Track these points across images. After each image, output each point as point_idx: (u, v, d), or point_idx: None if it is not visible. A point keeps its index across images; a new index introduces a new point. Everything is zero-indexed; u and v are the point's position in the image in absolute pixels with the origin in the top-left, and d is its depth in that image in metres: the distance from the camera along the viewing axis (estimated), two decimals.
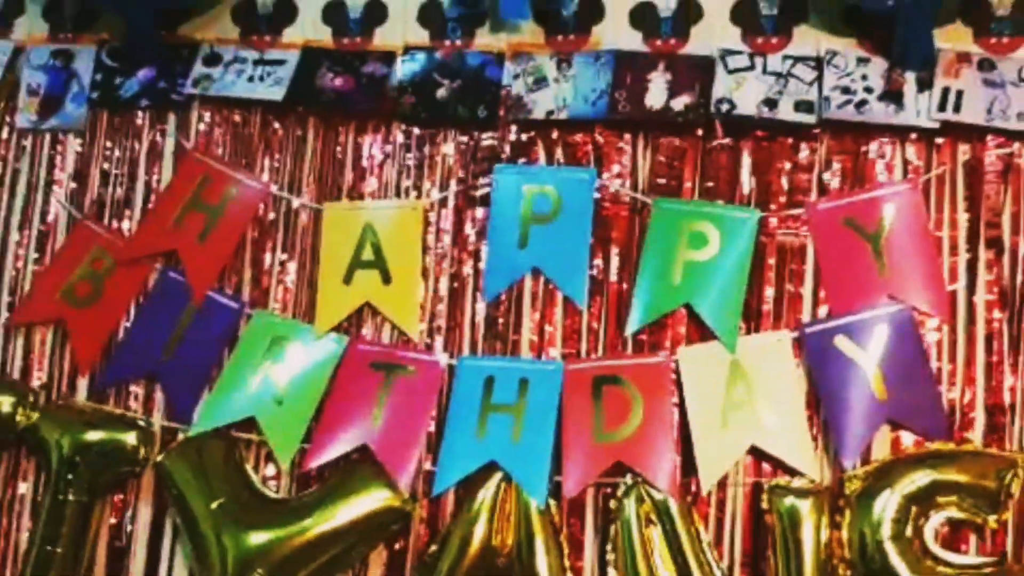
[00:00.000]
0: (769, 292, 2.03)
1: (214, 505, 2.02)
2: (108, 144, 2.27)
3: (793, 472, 1.95)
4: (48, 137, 2.29)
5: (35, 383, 2.19)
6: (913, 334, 1.96)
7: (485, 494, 1.99)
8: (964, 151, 2.02)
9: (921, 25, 2.00)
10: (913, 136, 2.04)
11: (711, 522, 1.96)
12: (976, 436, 1.95)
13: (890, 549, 1.88)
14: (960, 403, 1.96)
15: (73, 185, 2.26)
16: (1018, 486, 1.90)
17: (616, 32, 2.15)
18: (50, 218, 2.26)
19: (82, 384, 2.19)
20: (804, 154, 2.06)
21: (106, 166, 2.26)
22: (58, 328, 2.21)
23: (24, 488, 2.16)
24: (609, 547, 1.96)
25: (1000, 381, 1.95)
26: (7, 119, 2.30)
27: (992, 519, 1.90)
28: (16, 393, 2.16)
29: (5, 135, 2.29)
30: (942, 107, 2.00)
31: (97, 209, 2.25)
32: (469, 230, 2.13)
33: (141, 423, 2.13)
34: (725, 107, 2.07)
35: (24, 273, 2.24)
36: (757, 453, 1.98)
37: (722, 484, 1.97)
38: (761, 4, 2.12)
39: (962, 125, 2.01)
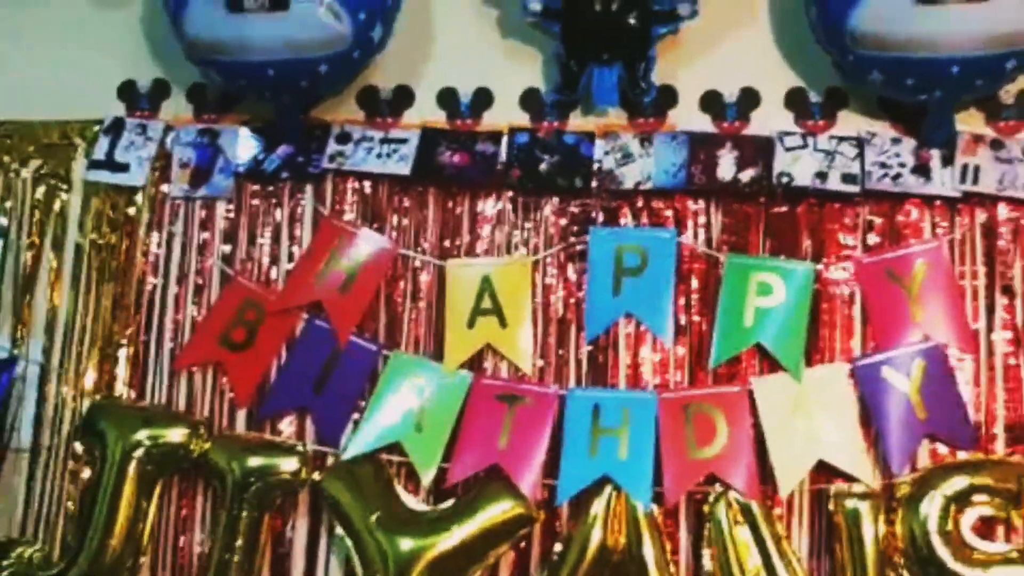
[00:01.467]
0: (825, 332, 2.28)
1: (372, 518, 2.21)
2: (253, 210, 2.46)
3: (852, 479, 2.18)
4: (199, 204, 2.47)
5: (199, 417, 2.38)
6: (944, 365, 2.20)
7: (599, 503, 2.20)
8: (981, 215, 2.25)
9: (944, 112, 2.23)
10: (939, 203, 2.26)
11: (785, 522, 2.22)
12: (999, 447, 2.19)
13: (936, 541, 2.11)
14: (985, 421, 2.20)
15: (225, 246, 2.45)
16: None
17: (689, 116, 2.36)
18: (205, 274, 2.45)
19: (239, 417, 2.38)
20: (850, 218, 2.29)
21: (253, 229, 2.45)
22: (216, 369, 2.41)
23: (197, 506, 2.37)
24: (704, 544, 2.22)
25: (1017, 403, 2.20)
26: (162, 188, 2.47)
27: (1016, 514, 2.13)
28: (188, 425, 2.34)
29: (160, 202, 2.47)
30: (962, 179, 2.24)
31: (247, 266, 2.45)
32: (571, 281, 2.36)
33: (299, 449, 2.34)
34: (785, 179, 2.29)
35: (184, 323, 2.43)
36: (821, 465, 2.20)
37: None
38: (810, 93, 2.34)
39: (979, 194, 2.24)
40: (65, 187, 2.52)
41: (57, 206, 2.53)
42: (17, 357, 2.45)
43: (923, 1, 2.12)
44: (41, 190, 2.53)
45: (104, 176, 2.49)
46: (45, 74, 2.56)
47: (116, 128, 2.51)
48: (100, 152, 2.49)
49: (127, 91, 2.54)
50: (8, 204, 2.53)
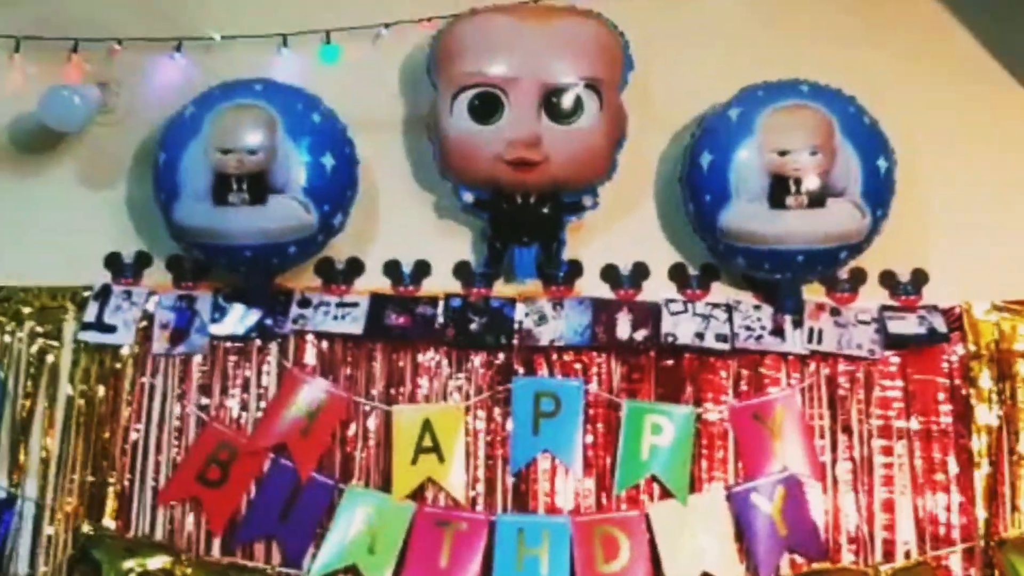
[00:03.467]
0: (705, 463, 2.68)
1: None
2: (225, 365, 2.77)
3: None
4: (178, 360, 2.76)
5: (180, 544, 2.67)
6: (800, 491, 2.62)
7: None
8: (824, 369, 2.68)
9: (794, 287, 2.67)
10: (791, 358, 2.68)
11: None
12: (843, 557, 2.60)
13: None
14: (832, 536, 2.61)
15: (201, 397, 2.76)
16: None
17: (592, 285, 2.75)
18: (184, 420, 2.74)
19: (215, 544, 2.67)
20: (723, 369, 2.68)
21: (225, 381, 2.75)
22: (194, 503, 2.70)
23: None
24: None
25: (857, 521, 2.62)
26: (147, 347, 2.76)
27: None
28: (172, 554, 2.63)
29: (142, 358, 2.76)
30: (809, 339, 2.67)
31: (219, 413, 2.75)
32: (497, 422, 2.71)
33: (268, 571, 2.63)
34: (670, 338, 2.69)
35: (164, 463, 2.71)
36: (704, 574, 2.59)
37: None
38: (689, 267, 2.76)
39: (822, 351, 2.67)
40: (57, 344, 2.80)
41: (49, 361, 2.82)
42: (16, 496, 2.72)
43: (775, 207, 2.63)
44: (35, 348, 2.81)
45: (95, 336, 2.78)
46: (38, 245, 2.86)
47: (104, 294, 2.81)
48: (91, 315, 2.79)
49: (113, 261, 2.85)
50: (5, 360, 2.81)
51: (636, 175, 2.79)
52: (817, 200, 2.60)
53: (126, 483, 2.73)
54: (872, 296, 2.77)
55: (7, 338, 2.81)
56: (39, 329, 2.81)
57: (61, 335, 2.81)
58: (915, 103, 2.76)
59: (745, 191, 2.62)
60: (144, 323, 2.80)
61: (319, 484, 2.70)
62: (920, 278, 2.77)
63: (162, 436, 2.76)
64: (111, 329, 2.78)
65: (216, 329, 2.79)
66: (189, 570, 2.64)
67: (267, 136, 2.63)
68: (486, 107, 2.63)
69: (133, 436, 2.75)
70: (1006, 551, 2.60)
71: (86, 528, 2.71)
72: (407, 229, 2.84)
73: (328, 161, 2.67)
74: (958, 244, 2.77)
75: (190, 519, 2.72)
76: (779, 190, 2.59)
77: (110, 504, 2.72)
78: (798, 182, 2.59)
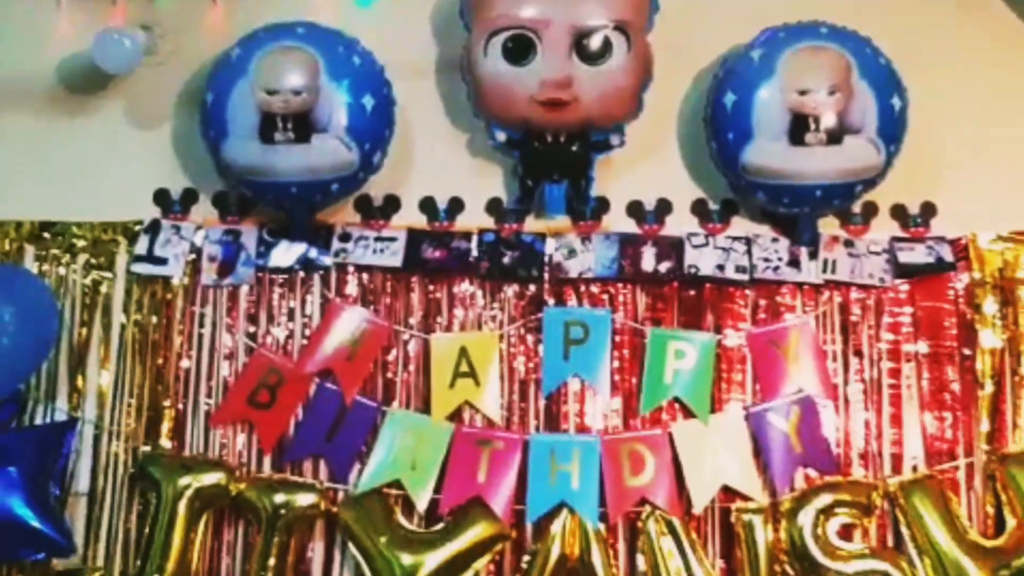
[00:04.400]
0: (725, 386, 2.81)
1: (383, 539, 2.72)
2: (272, 296, 2.93)
3: (748, 499, 2.69)
4: (226, 291, 2.90)
5: (233, 463, 2.84)
6: (814, 410, 2.74)
7: (558, 523, 2.70)
8: (838, 297, 2.80)
9: (810, 221, 2.80)
10: (807, 288, 2.77)
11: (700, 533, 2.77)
12: (854, 471, 2.76)
13: (810, 543, 2.63)
14: (844, 452, 2.76)
15: (249, 325, 2.92)
16: (879, 500, 2.69)
17: (618, 221, 2.87)
18: (232, 348, 2.92)
19: (266, 463, 2.83)
20: (742, 299, 2.82)
21: (271, 311, 2.90)
22: (246, 424, 2.90)
23: (235, 535, 2.82)
24: (638, 551, 2.75)
25: (867, 437, 2.78)
26: (196, 279, 2.92)
27: (867, 521, 2.66)
28: (226, 470, 2.81)
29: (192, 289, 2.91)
30: (824, 270, 2.77)
31: (266, 341, 2.90)
32: (530, 349, 2.85)
33: (316, 486, 2.80)
34: (692, 269, 2.81)
35: (217, 387, 2.89)
36: (725, 488, 2.73)
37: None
38: (710, 203, 2.89)
39: (836, 281, 2.76)
40: (110, 276, 2.95)
41: (103, 292, 2.97)
42: (76, 419, 2.89)
43: (795, 144, 2.76)
44: (89, 279, 2.95)
45: (146, 268, 2.92)
46: (89, 183, 2.99)
47: (154, 228, 2.95)
48: (142, 248, 2.93)
49: (161, 198, 2.98)
50: (61, 291, 2.96)
51: (661, 115, 2.91)
52: (835, 138, 2.72)
53: (180, 407, 2.88)
54: (883, 228, 2.90)
55: (62, 270, 2.95)
56: (93, 261, 2.95)
57: (114, 267, 2.94)
58: (927, 43, 2.86)
59: (766, 129, 2.74)
60: (193, 256, 2.93)
61: (363, 406, 2.85)
62: (929, 211, 2.90)
63: (213, 363, 2.90)
64: (162, 261, 2.92)
65: (261, 262, 2.92)
66: (242, 485, 2.79)
67: (310, 77, 2.75)
68: (519, 49, 2.74)
69: (185, 363, 2.90)
70: (1008, 465, 2.76)
71: (144, 448, 2.84)
72: (442, 167, 2.95)
73: (368, 101, 2.80)
74: (966, 179, 2.89)
75: (241, 439, 2.87)
76: (799, 128, 2.72)
77: (166, 426, 2.87)
78: (817, 120, 2.71)
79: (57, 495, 2.77)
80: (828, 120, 2.70)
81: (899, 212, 2.90)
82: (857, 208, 2.88)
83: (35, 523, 2.65)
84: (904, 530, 2.69)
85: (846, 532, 2.70)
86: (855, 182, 2.75)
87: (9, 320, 2.69)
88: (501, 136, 2.85)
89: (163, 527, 2.75)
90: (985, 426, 2.79)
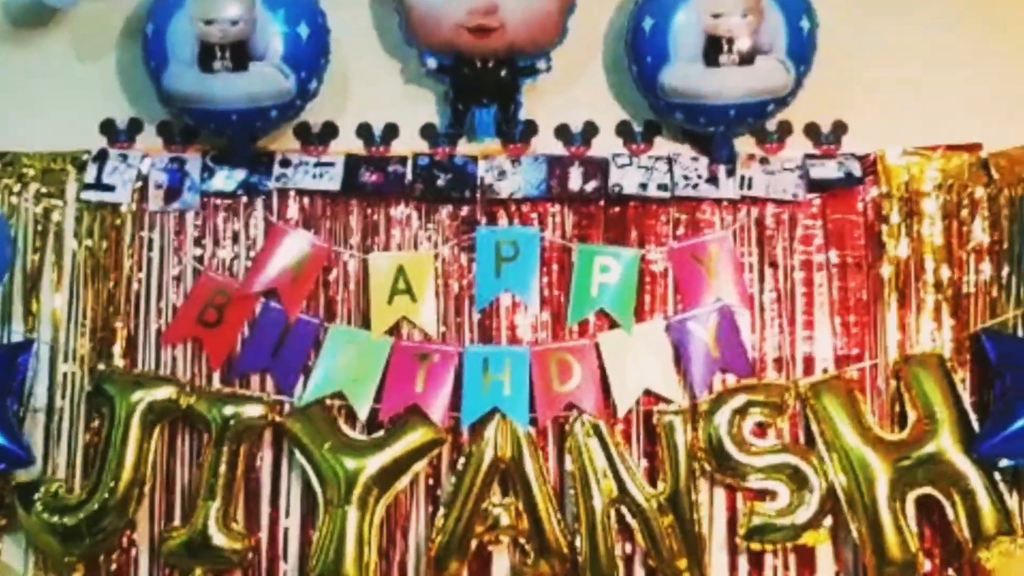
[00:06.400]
0: (648, 298, 2.97)
1: (326, 446, 2.85)
2: (216, 220, 3.04)
3: (669, 401, 2.81)
4: (172, 216, 3.02)
5: (184, 379, 2.97)
6: (731, 319, 2.85)
7: (491, 427, 2.82)
8: (754, 212, 2.92)
9: (727, 139, 2.92)
10: (725, 204, 2.88)
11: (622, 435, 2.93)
12: (768, 374, 2.91)
13: (726, 440, 2.75)
14: (759, 356, 2.90)
15: (195, 249, 3.03)
16: (791, 400, 2.81)
17: (546, 143, 2.97)
18: (180, 271, 3.04)
19: (215, 378, 2.96)
20: (664, 215, 2.93)
21: (216, 235, 3.02)
22: (195, 343, 3.02)
23: (186, 446, 2.95)
24: (567, 453, 2.89)
25: (780, 343, 2.93)
26: (144, 205, 3.03)
27: (779, 419, 2.79)
28: (176, 384, 2.92)
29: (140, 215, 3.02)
30: (741, 186, 2.90)
31: (213, 263, 3.01)
32: (463, 267, 2.97)
33: (263, 399, 2.94)
34: (617, 188, 2.93)
35: (167, 308, 2.99)
36: (647, 392, 2.88)
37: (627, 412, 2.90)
38: (633, 124, 3.00)
39: (753, 197, 2.87)
40: (60, 204, 3.05)
41: (55, 219, 3.08)
42: (32, 340, 3.01)
43: (710, 65, 2.88)
44: (40, 207, 3.06)
45: (95, 195, 3.02)
46: (37, 114, 3.07)
47: (102, 157, 3.05)
48: (91, 176, 3.02)
49: (107, 128, 3.07)
50: (13, 219, 3.07)
51: (586, 40, 3.01)
52: (747, 59, 2.85)
53: (132, 327, 3.00)
54: (797, 146, 3.03)
55: (14, 199, 3.04)
56: (43, 190, 3.04)
57: (64, 195, 3.04)
58: None
59: (683, 52, 2.86)
60: (140, 183, 3.03)
61: (306, 323, 2.97)
62: (840, 129, 3.03)
63: (162, 285, 3.02)
64: (110, 188, 3.01)
65: (206, 187, 3.03)
66: (192, 399, 2.91)
67: (246, 7, 2.84)
68: None
69: (135, 286, 3.01)
70: (911, 365, 2.91)
71: (98, 367, 2.96)
72: (376, 94, 3.05)
73: (303, 30, 2.89)
74: (875, 97, 3.02)
75: (191, 356, 2.99)
76: (713, 50, 2.84)
77: (119, 346, 2.99)
78: (731, 42, 2.84)
79: (15, 411, 2.87)
80: (742, 42, 2.82)
81: (812, 130, 3.03)
82: (772, 127, 3.01)
83: None
84: (814, 427, 2.82)
85: (760, 431, 2.84)
86: (766, 101, 2.88)
87: None
88: (432, 63, 2.96)
89: (118, 440, 2.86)
90: (890, 330, 2.92)
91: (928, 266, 2.96)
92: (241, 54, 2.84)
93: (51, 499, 2.87)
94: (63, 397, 2.97)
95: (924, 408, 2.84)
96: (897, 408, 2.91)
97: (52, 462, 2.94)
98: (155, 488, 2.90)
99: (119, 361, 2.98)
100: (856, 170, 2.99)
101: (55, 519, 2.83)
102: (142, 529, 2.90)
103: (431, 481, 2.86)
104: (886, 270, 2.97)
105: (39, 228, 3.03)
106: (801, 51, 2.87)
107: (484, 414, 2.82)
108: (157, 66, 2.89)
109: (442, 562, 2.87)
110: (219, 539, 2.85)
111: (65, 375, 2.98)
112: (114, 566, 2.91)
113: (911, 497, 2.76)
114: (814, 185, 2.99)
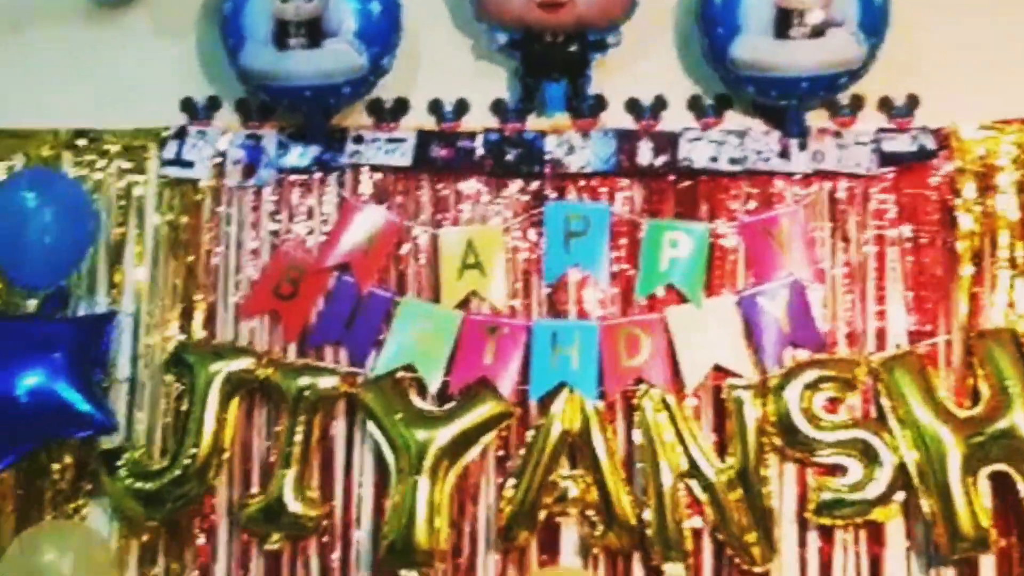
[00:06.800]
0: (718, 273, 2.93)
1: (397, 417, 2.91)
2: (291, 196, 3.12)
3: (738, 376, 2.80)
4: (249, 192, 3.09)
5: (260, 350, 3.03)
6: (802, 293, 2.84)
7: (560, 401, 2.84)
8: (826, 186, 2.91)
9: (799, 113, 2.90)
10: (797, 178, 2.89)
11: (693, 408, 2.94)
12: (840, 349, 2.89)
13: (796, 415, 2.72)
14: (830, 331, 2.86)
15: (271, 224, 3.10)
16: (862, 375, 2.80)
17: (616, 117, 2.98)
18: (257, 245, 3.12)
19: (291, 350, 3.02)
20: (735, 189, 2.93)
21: (292, 210, 3.09)
22: (272, 315, 3.08)
23: (261, 417, 3.04)
24: (635, 427, 2.90)
25: (852, 318, 2.91)
26: (221, 181, 3.11)
27: (850, 395, 2.77)
28: (253, 355, 2.99)
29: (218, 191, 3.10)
30: (812, 160, 2.90)
31: (287, 238, 3.07)
32: (532, 242, 3.00)
33: (337, 370, 2.99)
34: (687, 162, 2.93)
35: (243, 281, 3.06)
36: (716, 367, 2.87)
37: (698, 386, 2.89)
38: (704, 98, 2.99)
39: (824, 171, 2.85)
40: (142, 179, 3.13)
41: (136, 194, 3.16)
42: (116, 311, 3.10)
43: (780, 37, 2.85)
44: (123, 183, 3.15)
45: (176, 171, 3.10)
46: (119, 92, 3.16)
47: (181, 134, 3.12)
48: (171, 153, 3.10)
49: (187, 105, 3.14)
50: (96, 194, 3.16)
51: (655, 14, 3.00)
52: (818, 31, 2.81)
53: (211, 299, 3.07)
54: (870, 120, 3.00)
55: (98, 175, 3.13)
56: (125, 166, 3.12)
57: (145, 171, 3.12)
58: None
59: (754, 24, 2.85)
60: (218, 159, 3.10)
61: (378, 297, 3.02)
62: (913, 102, 2.98)
63: (240, 259, 3.08)
64: (189, 164, 3.09)
65: (281, 163, 3.09)
66: (269, 370, 2.97)
67: None
68: None
69: (214, 260, 3.08)
70: (985, 341, 2.87)
71: (179, 338, 3.04)
72: (447, 70, 3.08)
73: (375, 7, 2.93)
74: (949, 71, 2.98)
75: (267, 328, 3.05)
76: (784, 22, 2.82)
77: (198, 317, 3.06)
78: (802, 14, 2.81)
79: (100, 381, 2.96)
80: (813, 15, 2.80)
81: (885, 104, 2.99)
82: (844, 101, 2.98)
83: (80, 404, 2.86)
84: (885, 403, 2.78)
85: (831, 406, 2.80)
86: (839, 74, 2.85)
87: (51, 221, 2.89)
88: (502, 38, 2.97)
89: (198, 409, 2.94)
90: (963, 305, 2.89)
91: (1002, 241, 2.92)
92: (315, 31, 2.88)
93: (135, 465, 2.95)
94: (145, 367, 3.05)
95: (997, 384, 2.79)
96: (970, 383, 2.87)
97: (133, 430, 3.00)
98: (233, 456, 2.99)
99: (199, 333, 3.04)
100: (930, 144, 2.95)
101: (139, 485, 2.92)
102: (221, 495, 2.99)
103: (500, 452, 2.86)
104: (959, 245, 2.93)
105: (121, 203, 3.11)
106: (874, 23, 2.84)
107: (552, 388, 2.82)
108: (235, 44, 2.95)
109: (510, 532, 2.90)
110: (295, 506, 2.91)
111: (148, 346, 3.04)
112: (194, 531, 2.97)
113: (984, 473, 2.71)
114: (887, 159, 2.96)
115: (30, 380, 2.84)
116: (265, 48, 2.91)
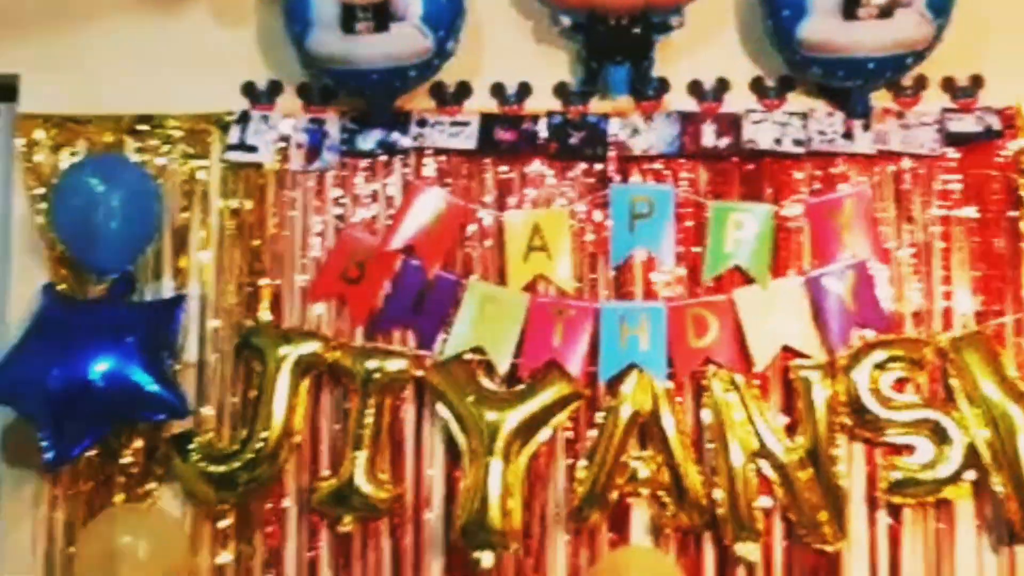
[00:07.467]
0: (784, 254, 2.95)
1: (469, 399, 2.92)
2: (355, 179, 3.12)
3: (806, 356, 2.80)
4: (313, 175, 3.10)
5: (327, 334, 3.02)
6: (867, 274, 2.84)
7: (629, 382, 2.86)
8: (890, 167, 2.90)
9: (863, 94, 2.91)
10: (861, 158, 2.84)
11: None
12: (907, 330, 2.87)
13: (865, 395, 2.75)
14: (897, 311, 2.88)
15: (336, 208, 3.11)
16: (931, 355, 2.82)
17: (679, 99, 2.99)
18: (322, 228, 3.12)
19: (358, 333, 3.02)
20: (799, 171, 2.93)
21: (357, 193, 3.12)
22: (338, 299, 3.07)
23: (329, 401, 3.04)
24: (704, 407, 2.93)
25: (918, 298, 2.90)
26: (285, 165, 3.10)
27: (919, 375, 2.79)
28: (322, 339, 3.00)
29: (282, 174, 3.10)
30: (876, 141, 2.92)
31: (353, 220, 3.07)
32: (598, 224, 2.99)
33: (406, 353, 3.00)
34: (750, 144, 2.94)
35: (309, 265, 3.06)
36: (785, 348, 2.87)
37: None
38: (767, 80, 3.00)
39: (888, 151, 2.86)
40: (206, 164, 3.12)
41: (200, 179, 3.15)
42: (183, 296, 3.09)
43: (848, 18, 2.86)
44: (187, 167, 3.13)
45: (239, 156, 3.09)
46: (183, 77, 3.15)
47: (244, 119, 3.12)
48: (234, 137, 3.09)
49: (249, 89, 3.13)
50: (160, 179, 3.15)
51: None
52: (886, 11, 2.82)
53: (277, 283, 3.06)
54: (934, 100, 3.00)
55: (161, 160, 3.13)
56: (189, 151, 3.11)
57: (209, 155, 3.11)
58: None
59: (820, 5, 2.84)
60: (281, 144, 3.09)
61: (444, 280, 3.01)
62: (977, 83, 2.99)
63: (305, 242, 3.07)
64: (253, 149, 3.08)
65: (345, 147, 3.08)
66: (337, 353, 2.97)
67: None
68: None
69: (279, 243, 3.07)
70: None
71: (246, 322, 3.03)
72: (510, 53, 3.07)
73: None
74: (1013, 50, 2.99)
75: (335, 312, 3.04)
76: (852, 3, 2.82)
77: (265, 301, 3.06)
78: None
79: (170, 364, 2.96)
80: None
81: (948, 84, 2.99)
82: (908, 81, 2.98)
83: (153, 387, 2.86)
84: (954, 382, 2.80)
85: (900, 386, 2.82)
86: (906, 54, 2.85)
87: (117, 206, 2.89)
88: (565, 20, 2.96)
89: (268, 393, 2.94)
90: None
91: None
92: (382, 15, 2.88)
93: (206, 449, 2.95)
94: (213, 351, 3.04)
95: None
96: None
97: (201, 414, 3.00)
98: (306, 441, 2.99)
99: (266, 316, 3.03)
100: (995, 124, 2.96)
101: (211, 468, 2.92)
102: (290, 478, 2.99)
103: (571, 434, 2.87)
104: None
105: (185, 188, 3.10)
106: (942, 3, 2.84)
107: (621, 369, 2.84)
108: (300, 29, 2.95)
109: (582, 513, 2.92)
110: (366, 488, 2.92)
111: (215, 330, 3.04)
112: (265, 513, 2.97)
113: None
114: (951, 139, 2.96)
115: (104, 365, 2.85)
116: (332, 33, 2.90)
